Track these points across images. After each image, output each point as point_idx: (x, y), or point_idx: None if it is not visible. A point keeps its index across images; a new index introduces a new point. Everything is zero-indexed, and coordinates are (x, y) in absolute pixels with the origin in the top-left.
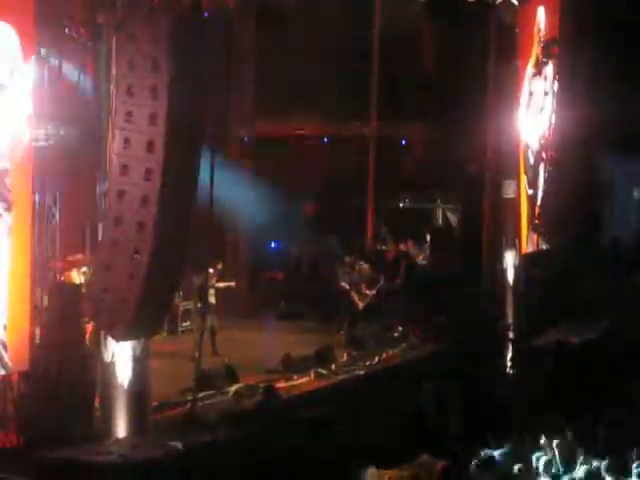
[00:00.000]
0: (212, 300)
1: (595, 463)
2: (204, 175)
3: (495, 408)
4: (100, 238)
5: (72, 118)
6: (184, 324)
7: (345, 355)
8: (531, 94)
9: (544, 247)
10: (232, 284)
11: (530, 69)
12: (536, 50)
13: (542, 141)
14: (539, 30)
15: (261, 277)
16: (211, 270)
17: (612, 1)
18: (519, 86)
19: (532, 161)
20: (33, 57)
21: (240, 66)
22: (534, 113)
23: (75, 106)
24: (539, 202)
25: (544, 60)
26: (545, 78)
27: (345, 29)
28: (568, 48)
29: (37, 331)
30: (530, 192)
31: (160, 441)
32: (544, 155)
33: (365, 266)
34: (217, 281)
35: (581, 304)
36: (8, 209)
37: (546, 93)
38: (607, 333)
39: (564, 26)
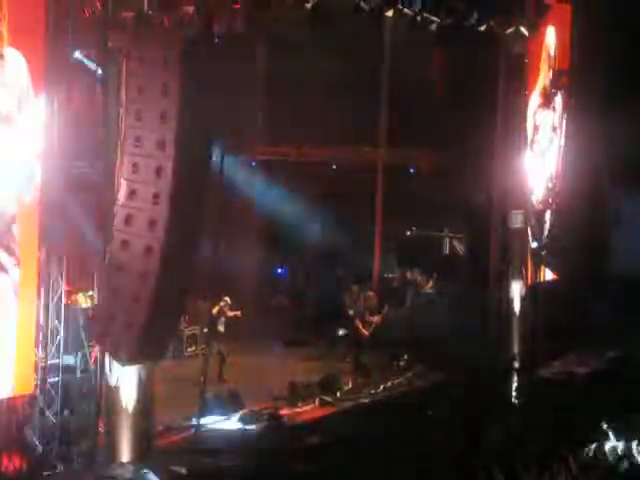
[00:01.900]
0: (221, 329)
1: None
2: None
3: (499, 438)
4: (107, 262)
5: (81, 145)
6: (189, 349)
7: (350, 383)
8: (536, 128)
9: (551, 277)
10: (238, 313)
11: (536, 100)
12: (544, 80)
13: (551, 172)
14: (548, 60)
15: (267, 303)
16: (223, 299)
17: (624, 31)
18: (527, 117)
19: (540, 193)
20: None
21: (250, 91)
22: (541, 146)
23: (84, 134)
24: (546, 233)
25: (553, 91)
26: (554, 109)
27: (356, 56)
28: (578, 78)
29: (42, 354)
30: (536, 224)
31: (164, 466)
32: (552, 186)
33: (371, 294)
34: (228, 310)
35: (588, 334)
36: (16, 264)
37: (555, 126)
38: (613, 363)
39: (575, 56)
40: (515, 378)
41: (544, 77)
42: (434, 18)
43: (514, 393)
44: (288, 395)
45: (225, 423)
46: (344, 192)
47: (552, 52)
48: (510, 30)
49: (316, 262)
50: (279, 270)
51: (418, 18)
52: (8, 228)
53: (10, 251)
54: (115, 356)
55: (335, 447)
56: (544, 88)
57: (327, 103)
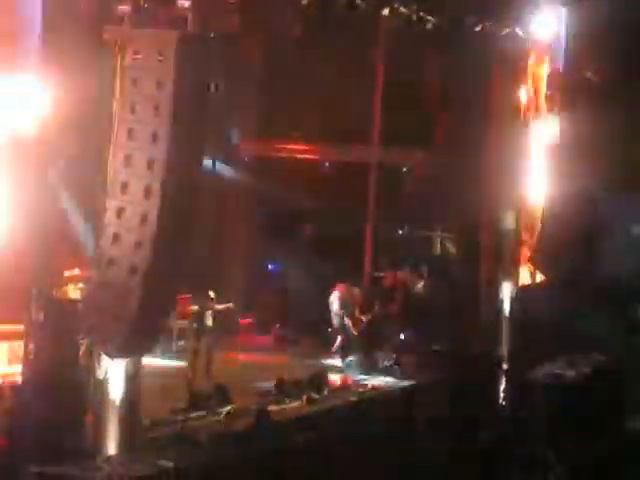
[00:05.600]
0: (209, 322)
1: None
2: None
3: (487, 440)
4: (97, 255)
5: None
6: (179, 343)
7: (338, 381)
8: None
9: (541, 280)
10: (230, 305)
11: (529, 104)
12: (540, 83)
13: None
14: (545, 61)
15: (257, 300)
16: (211, 293)
17: (622, 31)
18: (521, 119)
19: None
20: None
21: (243, 88)
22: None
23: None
24: (537, 235)
25: (549, 93)
26: (548, 113)
27: (349, 56)
28: (574, 78)
29: (32, 346)
30: (528, 225)
31: (151, 460)
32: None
33: (360, 292)
34: (215, 303)
35: (576, 338)
36: None
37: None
38: (601, 368)
39: (571, 56)
40: (503, 380)
41: (540, 79)
42: (430, 17)
43: (502, 395)
44: (276, 392)
45: (212, 418)
46: (336, 189)
47: (548, 53)
48: (506, 31)
49: (307, 259)
50: (269, 266)
51: (414, 17)
52: None
53: None
54: (104, 349)
55: (322, 444)
56: (540, 90)
57: (320, 101)
